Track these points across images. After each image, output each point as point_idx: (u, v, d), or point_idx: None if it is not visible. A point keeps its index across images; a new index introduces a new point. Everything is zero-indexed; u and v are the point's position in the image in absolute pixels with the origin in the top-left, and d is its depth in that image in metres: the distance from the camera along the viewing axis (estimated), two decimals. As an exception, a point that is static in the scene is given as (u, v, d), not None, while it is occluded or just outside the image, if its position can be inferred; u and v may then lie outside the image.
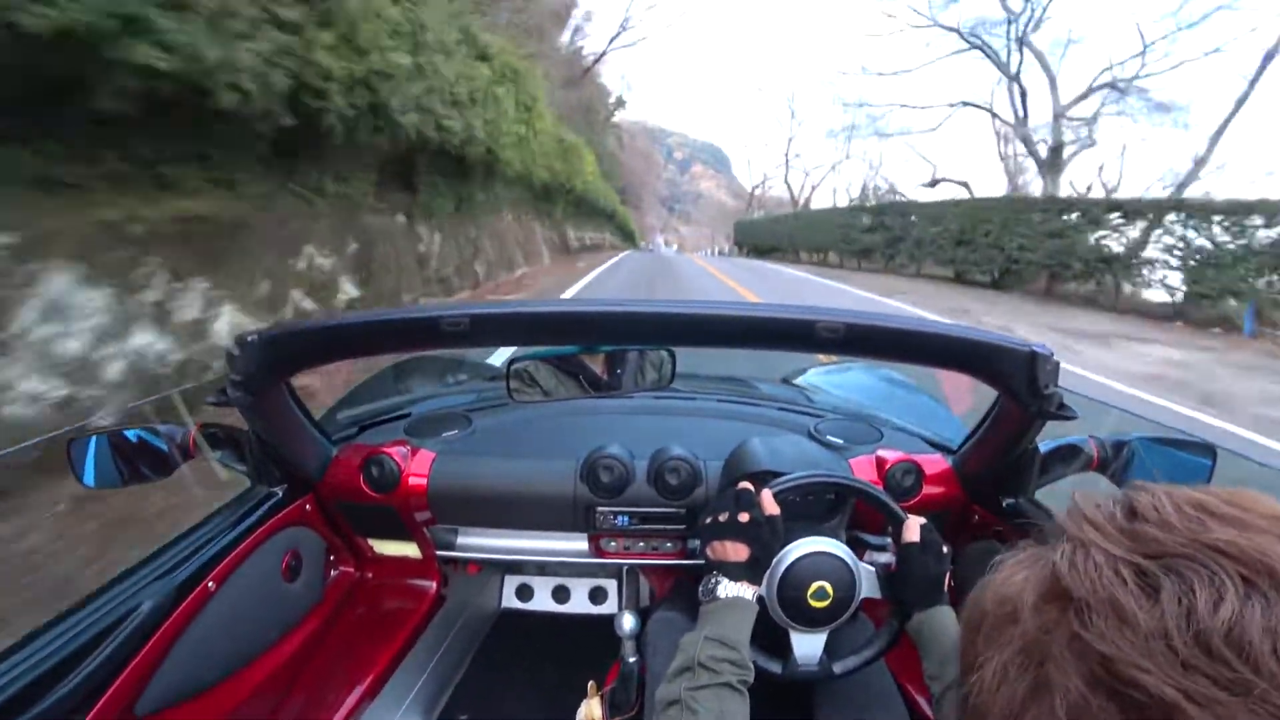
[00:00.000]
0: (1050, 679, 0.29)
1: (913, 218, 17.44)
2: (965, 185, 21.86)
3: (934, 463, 1.08)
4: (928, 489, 1.05)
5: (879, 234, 18.69)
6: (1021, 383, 0.75)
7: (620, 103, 40.86)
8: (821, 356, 1.80)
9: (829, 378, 1.73)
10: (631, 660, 1.10)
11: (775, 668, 0.83)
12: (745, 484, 0.84)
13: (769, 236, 31.96)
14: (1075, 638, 0.29)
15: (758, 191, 55.94)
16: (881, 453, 1.09)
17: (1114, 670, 0.27)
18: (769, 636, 0.82)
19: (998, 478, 0.98)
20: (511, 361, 0.95)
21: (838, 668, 0.84)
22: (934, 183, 23.22)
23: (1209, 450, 0.88)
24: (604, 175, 29.84)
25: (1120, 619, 0.27)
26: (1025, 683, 0.30)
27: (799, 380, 1.71)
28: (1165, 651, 0.26)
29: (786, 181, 45.86)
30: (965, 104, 22.04)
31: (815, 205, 39.40)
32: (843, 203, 34.04)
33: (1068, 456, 0.94)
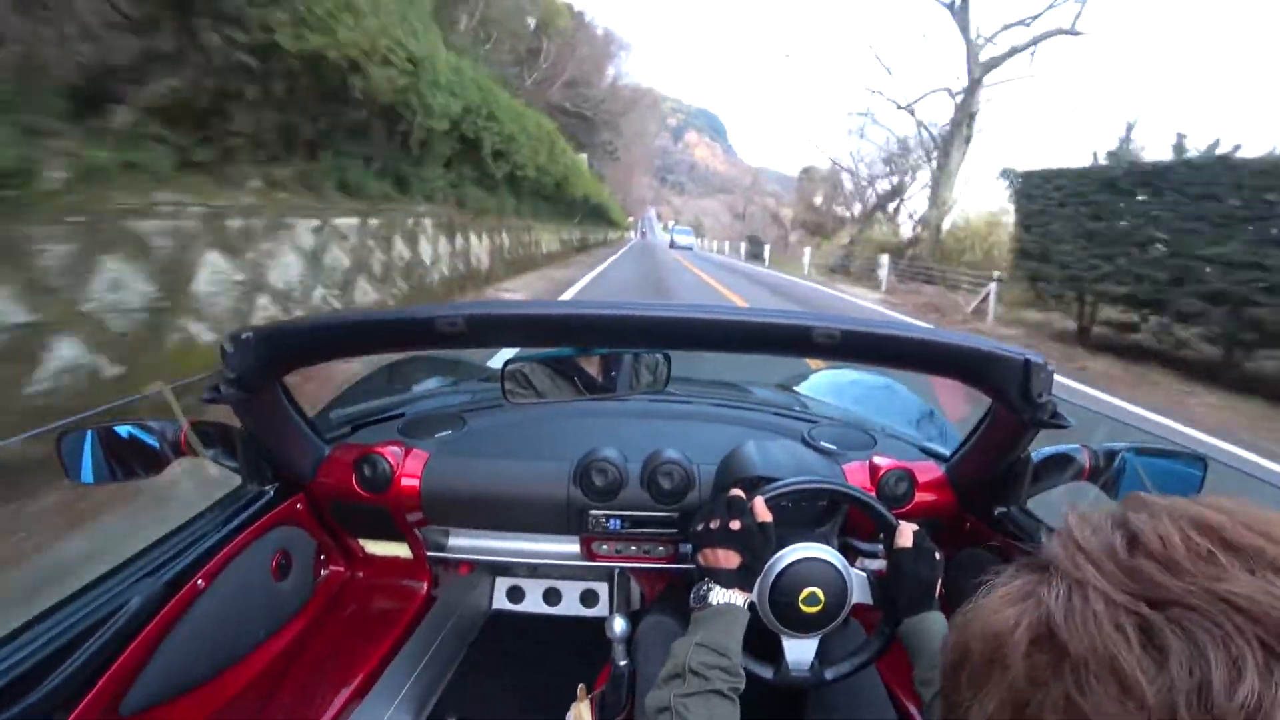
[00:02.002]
0: None
1: None
2: None
3: (927, 470, 1.08)
4: (920, 496, 1.05)
5: None
6: (1015, 391, 0.76)
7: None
8: (816, 363, 1.81)
9: (824, 384, 1.74)
10: (622, 663, 1.09)
11: (767, 673, 0.83)
12: (737, 491, 0.84)
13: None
14: (1070, 703, 0.25)
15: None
16: (875, 459, 1.09)
17: None
18: (761, 642, 0.82)
19: (990, 486, 0.98)
20: (507, 363, 0.95)
21: (829, 673, 0.84)
22: None
23: (1200, 461, 0.89)
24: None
25: (1122, 688, 0.24)
26: None
27: (794, 386, 1.71)
28: None
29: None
30: None
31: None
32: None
33: (1060, 465, 0.95)
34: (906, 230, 22.62)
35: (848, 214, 29.14)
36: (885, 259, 16.37)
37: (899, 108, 21.56)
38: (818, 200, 32.98)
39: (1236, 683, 0.22)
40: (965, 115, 18.56)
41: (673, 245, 36.93)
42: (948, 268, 14.94)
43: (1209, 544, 0.26)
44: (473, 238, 9.24)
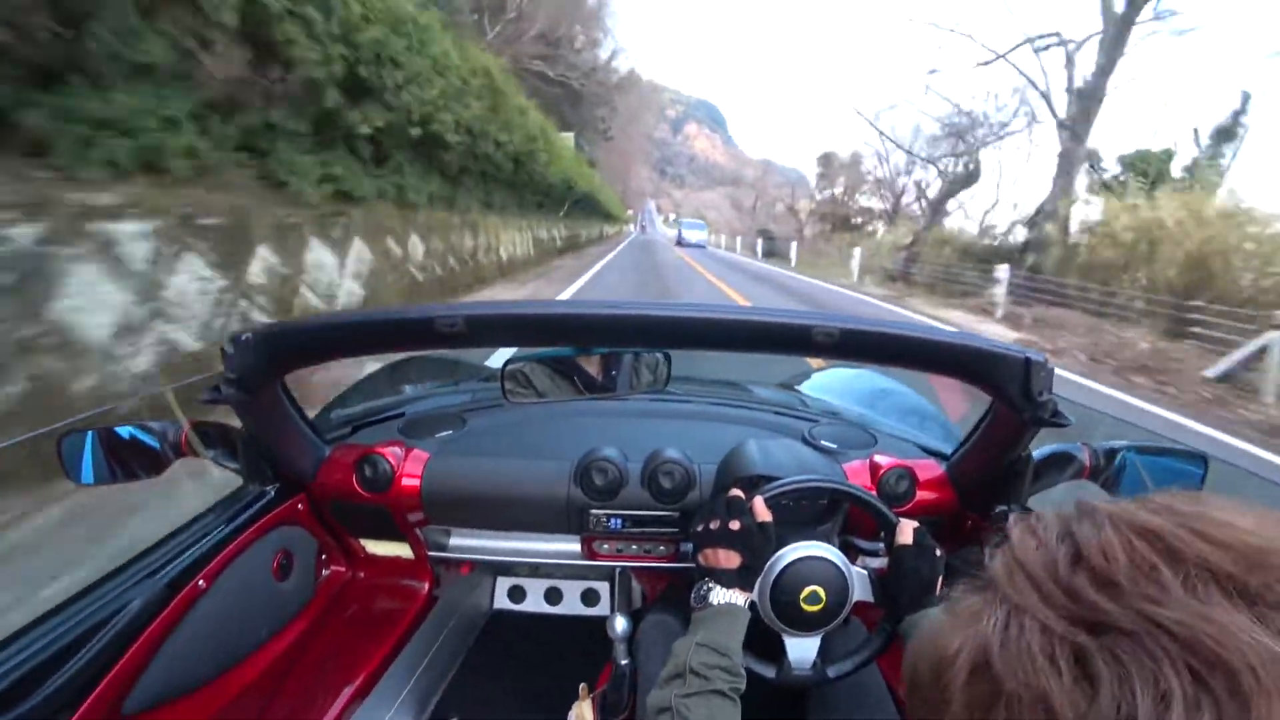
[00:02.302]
0: None
1: None
2: None
3: (928, 468, 1.08)
4: (921, 494, 1.05)
5: None
6: (1016, 389, 0.76)
7: None
8: (818, 361, 1.81)
9: (824, 383, 1.74)
10: (623, 662, 1.10)
11: (769, 672, 0.83)
12: (736, 491, 0.84)
13: None
14: None
15: None
16: (876, 458, 1.09)
17: None
18: (763, 641, 0.82)
19: (991, 484, 0.98)
20: (507, 362, 0.95)
21: (831, 671, 0.84)
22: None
23: (1200, 459, 0.89)
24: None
25: None
26: None
27: (795, 385, 1.71)
28: None
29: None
30: None
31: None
32: None
33: (1061, 464, 0.95)
34: (954, 224, 18.62)
35: (882, 205, 25.47)
36: (1004, 271, 10.70)
37: (996, 57, 14.88)
38: (839, 190, 29.06)
39: (1163, 717, 0.21)
40: (1112, 62, 12.35)
41: (680, 242, 30.81)
42: (1091, 285, 9.90)
43: (1152, 554, 0.25)
44: (320, 250, 4.66)
